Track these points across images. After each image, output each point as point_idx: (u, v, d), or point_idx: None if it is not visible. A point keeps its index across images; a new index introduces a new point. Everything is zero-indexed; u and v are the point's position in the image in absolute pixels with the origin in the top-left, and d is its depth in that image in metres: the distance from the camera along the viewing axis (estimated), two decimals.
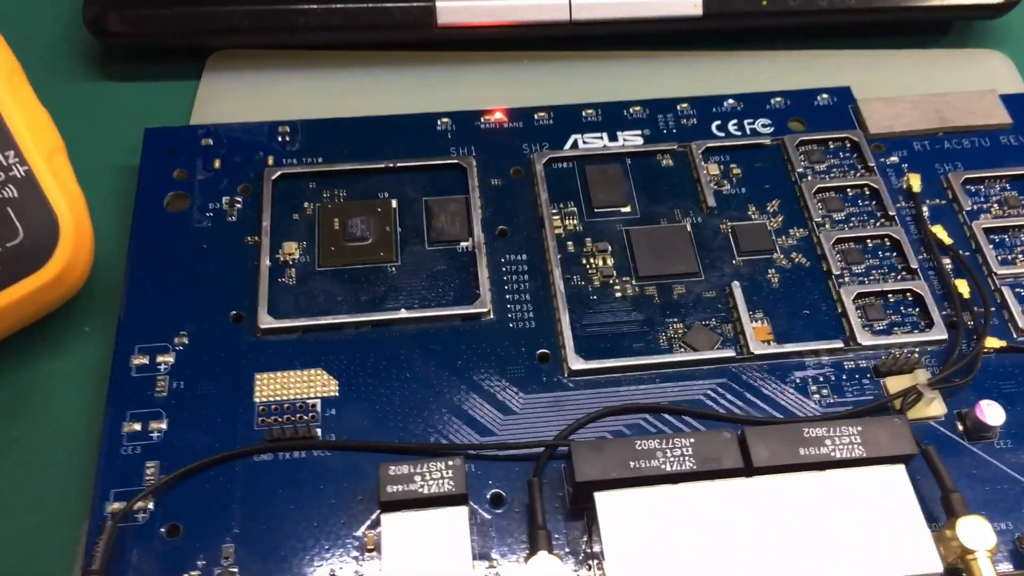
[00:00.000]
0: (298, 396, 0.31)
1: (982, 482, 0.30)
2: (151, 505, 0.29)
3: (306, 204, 0.36)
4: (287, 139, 0.38)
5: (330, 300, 0.34)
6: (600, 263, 0.35)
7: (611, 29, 0.42)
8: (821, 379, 0.32)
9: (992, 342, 0.33)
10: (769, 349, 0.33)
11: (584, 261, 0.35)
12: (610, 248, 0.35)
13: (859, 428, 0.29)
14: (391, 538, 0.27)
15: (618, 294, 0.34)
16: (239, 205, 0.36)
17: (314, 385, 0.32)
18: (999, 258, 0.35)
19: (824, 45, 0.44)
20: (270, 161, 0.37)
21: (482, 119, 0.39)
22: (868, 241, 0.35)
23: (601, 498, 0.28)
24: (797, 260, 0.35)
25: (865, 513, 0.28)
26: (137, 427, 0.30)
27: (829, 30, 0.45)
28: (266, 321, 0.33)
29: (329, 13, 0.41)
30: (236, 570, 0.28)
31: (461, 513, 0.28)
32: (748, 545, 0.27)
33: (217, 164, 0.37)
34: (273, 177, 0.36)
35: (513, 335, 0.33)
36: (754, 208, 0.37)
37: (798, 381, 0.32)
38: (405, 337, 0.33)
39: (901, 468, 0.28)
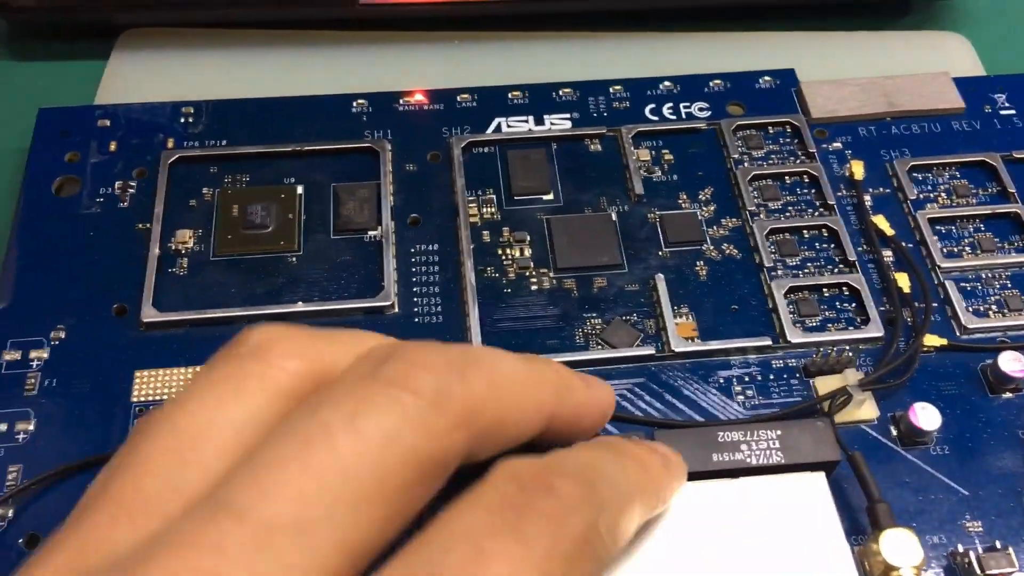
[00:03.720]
0: None
1: (915, 491, 0.28)
2: (10, 513, 0.27)
3: (205, 190, 0.34)
4: (190, 120, 0.35)
5: (223, 292, 0.31)
6: (517, 254, 0.33)
7: (542, 8, 0.40)
8: (747, 379, 0.30)
9: (932, 340, 0.30)
10: (692, 347, 0.30)
11: (500, 252, 0.33)
12: (528, 238, 0.33)
13: (778, 432, 0.26)
14: None
15: (534, 287, 0.32)
16: (132, 190, 0.33)
17: None
18: (944, 250, 0.33)
19: (777, 27, 0.42)
20: (170, 144, 0.35)
21: (401, 101, 0.37)
22: (804, 232, 0.33)
23: None
24: (728, 251, 0.33)
25: (780, 525, 0.25)
26: (2, 428, 0.28)
27: (783, 11, 0.42)
28: (150, 314, 0.30)
29: None
30: None
31: None
32: (646, 560, 0.25)
33: (113, 146, 0.35)
34: (170, 160, 0.34)
35: (418, 330, 0.31)
36: (685, 196, 0.34)
37: (721, 381, 0.30)
38: None
39: (821, 476, 0.26)
